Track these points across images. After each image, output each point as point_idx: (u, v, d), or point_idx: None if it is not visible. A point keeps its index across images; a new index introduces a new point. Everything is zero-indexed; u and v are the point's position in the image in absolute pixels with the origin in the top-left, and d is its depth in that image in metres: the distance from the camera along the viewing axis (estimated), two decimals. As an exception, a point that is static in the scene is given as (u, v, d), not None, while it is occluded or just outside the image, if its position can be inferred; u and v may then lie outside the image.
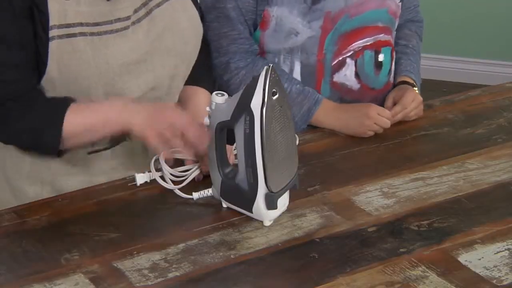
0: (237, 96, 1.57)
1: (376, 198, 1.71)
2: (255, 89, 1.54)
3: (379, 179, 1.79)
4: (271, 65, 1.55)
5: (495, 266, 1.49)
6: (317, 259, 1.51)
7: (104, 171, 1.78)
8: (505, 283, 1.45)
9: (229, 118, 1.57)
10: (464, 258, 1.51)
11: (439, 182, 1.78)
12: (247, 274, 1.47)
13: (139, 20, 1.71)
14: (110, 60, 1.66)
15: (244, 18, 2.06)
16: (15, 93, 1.65)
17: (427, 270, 1.48)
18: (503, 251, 1.54)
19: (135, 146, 1.79)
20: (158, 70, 1.74)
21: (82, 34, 1.64)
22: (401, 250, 1.54)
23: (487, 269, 1.48)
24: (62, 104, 1.65)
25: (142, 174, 1.74)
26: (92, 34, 1.65)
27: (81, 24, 1.64)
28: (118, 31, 1.68)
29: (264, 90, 1.53)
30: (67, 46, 1.63)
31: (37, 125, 1.65)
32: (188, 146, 1.61)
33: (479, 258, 1.51)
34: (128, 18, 1.69)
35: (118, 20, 1.68)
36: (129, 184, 1.75)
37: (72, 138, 1.66)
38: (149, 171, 1.74)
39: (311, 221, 1.63)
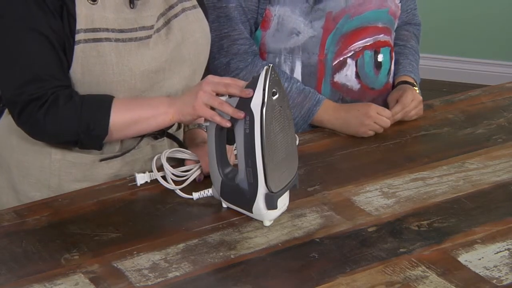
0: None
1: (376, 198, 1.71)
2: (255, 89, 1.54)
3: (379, 179, 1.79)
4: (271, 65, 1.56)
5: (495, 266, 1.49)
6: (317, 259, 1.51)
7: (110, 177, 1.78)
8: (505, 283, 1.45)
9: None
10: (464, 258, 1.51)
11: (439, 182, 1.78)
12: (247, 274, 1.47)
13: (158, 30, 1.73)
14: (132, 67, 1.68)
15: (246, 17, 2.07)
16: (58, 90, 1.65)
17: (427, 270, 1.48)
18: (503, 251, 1.54)
19: (143, 155, 1.80)
20: (174, 79, 1.75)
21: (108, 39, 1.66)
22: (401, 250, 1.54)
23: (487, 269, 1.48)
24: (106, 98, 1.66)
25: (142, 174, 1.74)
26: (117, 40, 1.66)
27: (107, 30, 1.66)
28: (142, 39, 1.69)
29: (264, 90, 1.53)
30: (92, 50, 1.65)
31: (88, 121, 1.65)
32: (232, 91, 1.59)
33: (479, 258, 1.51)
34: (151, 27, 1.71)
35: (143, 28, 1.70)
36: (129, 184, 1.75)
37: (120, 131, 1.67)
38: (150, 171, 1.74)
39: (311, 221, 1.63)
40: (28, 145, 1.75)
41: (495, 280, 1.45)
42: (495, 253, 1.53)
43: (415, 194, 1.73)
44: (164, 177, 1.72)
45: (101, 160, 1.76)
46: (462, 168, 1.85)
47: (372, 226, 1.61)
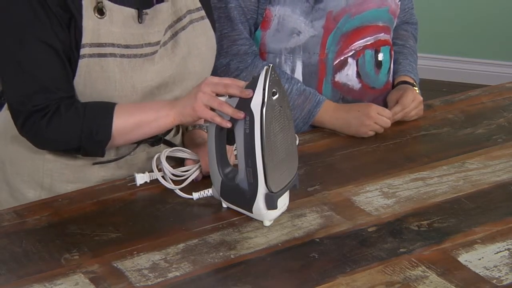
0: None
1: (376, 198, 1.71)
2: (255, 89, 1.54)
3: (379, 179, 1.79)
4: (271, 65, 1.55)
5: (495, 266, 1.49)
6: (317, 259, 1.51)
7: (104, 180, 1.78)
8: (505, 283, 1.45)
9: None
10: (464, 258, 1.51)
11: (439, 182, 1.78)
12: (247, 274, 1.47)
13: (164, 43, 1.73)
14: (135, 84, 1.68)
15: (245, 17, 2.06)
16: (62, 100, 1.65)
17: (427, 270, 1.48)
18: (503, 251, 1.54)
19: (137, 161, 1.80)
20: (177, 92, 1.75)
21: (113, 55, 1.66)
22: (401, 250, 1.54)
23: (487, 269, 1.48)
24: (108, 104, 1.66)
25: (142, 174, 1.74)
26: (122, 56, 1.66)
27: (112, 45, 1.65)
28: (147, 56, 1.69)
29: (264, 90, 1.53)
30: (96, 65, 1.65)
31: (90, 127, 1.65)
32: (232, 91, 1.58)
33: (479, 258, 1.51)
34: (157, 43, 1.71)
35: (148, 44, 1.69)
36: (129, 184, 1.75)
37: (122, 136, 1.67)
38: (150, 171, 1.74)
39: (311, 221, 1.63)
40: (22, 143, 1.75)
41: (495, 280, 1.45)
42: (495, 253, 1.53)
43: (415, 194, 1.73)
44: (163, 177, 1.72)
45: (94, 163, 1.76)
46: (462, 168, 1.85)
47: (372, 226, 1.61)
